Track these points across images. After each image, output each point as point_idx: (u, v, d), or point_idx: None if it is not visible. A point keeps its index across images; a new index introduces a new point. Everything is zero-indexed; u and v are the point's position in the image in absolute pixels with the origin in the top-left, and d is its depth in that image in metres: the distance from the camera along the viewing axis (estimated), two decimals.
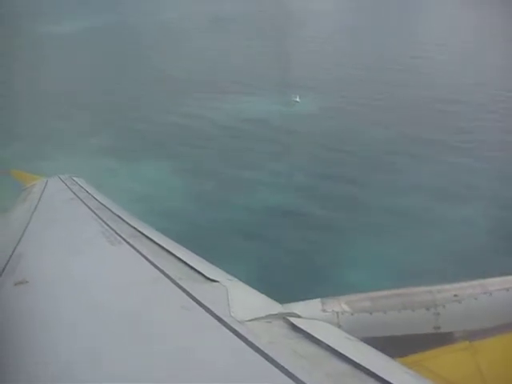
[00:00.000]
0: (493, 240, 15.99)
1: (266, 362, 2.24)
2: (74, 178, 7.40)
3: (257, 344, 2.39)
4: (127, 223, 4.92)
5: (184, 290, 3.09)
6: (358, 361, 2.25)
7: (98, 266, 3.97)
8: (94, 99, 35.26)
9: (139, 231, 4.59)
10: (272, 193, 20.38)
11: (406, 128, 26.65)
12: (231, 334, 2.53)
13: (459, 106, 30.20)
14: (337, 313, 3.42)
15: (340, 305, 3.47)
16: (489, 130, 26.10)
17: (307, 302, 3.55)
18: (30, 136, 28.18)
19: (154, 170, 22.41)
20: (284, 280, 13.63)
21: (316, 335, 2.54)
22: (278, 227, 17.54)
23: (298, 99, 32.74)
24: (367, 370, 2.18)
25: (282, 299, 3.21)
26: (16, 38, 56.98)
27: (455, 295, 3.45)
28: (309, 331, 2.58)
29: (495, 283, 3.52)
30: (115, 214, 5.31)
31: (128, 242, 4.22)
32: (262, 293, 3.24)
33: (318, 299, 3.55)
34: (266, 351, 2.32)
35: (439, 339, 3.34)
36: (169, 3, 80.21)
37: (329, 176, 21.57)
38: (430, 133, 25.73)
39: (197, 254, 3.99)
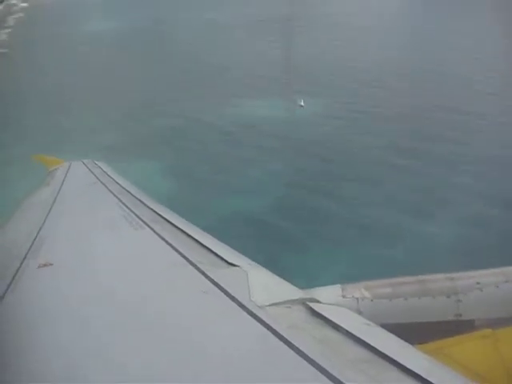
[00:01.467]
0: (451, 261, 15.47)
1: (286, 347, 2.25)
2: (97, 162, 7.58)
3: (277, 329, 2.40)
4: (149, 207, 4.99)
5: (205, 275, 3.11)
6: (377, 347, 2.23)
7: (120, 249, 4.04)
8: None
9: (160, 215, 4.65)
10: (243, 200, 20.35)
11: (400, 138, 26.07)
12: (251, 318, 2.55)
13: (461, 116, 29.29)
14: (357, 299, 3.41)
15: (360, 290, 3.46)
16: (486, 144, 25.14)
17: (327, 287, 3.55)
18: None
19: (137, 169, 22.77)
20: None
21: (336, 321, 2.54)
22: (237, 237, 17.52)
23: (302, 103, 32.69)
24: (387, 356, 2.17)
25: None
26: None
27: (477, 283, 3.40)
28: (328, 317, 2.59)
29: None
30: (137, 198, 5.39)
31: (150, 226, 4.27)
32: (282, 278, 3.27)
33: (338, 285, 3.54)
34: (285, 336, 2.33)
35: (460, 327, 3.29)
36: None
37: (305, 186, 21.46)
38: (422, 143, 25.11)
39: (217, 238, 4.03)
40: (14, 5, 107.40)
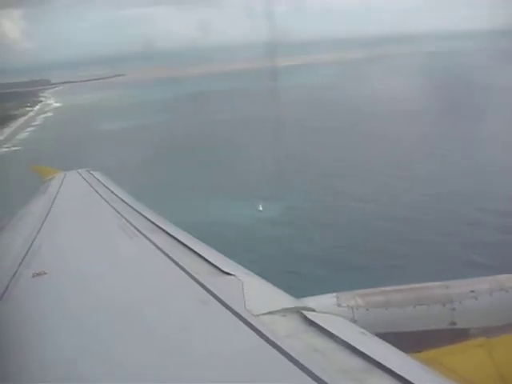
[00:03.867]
0: None
1: (281, 356, 2.24)
2: (92, 172, 7.59)
3: (272, 338, 2.40)
4: (144, 217, 4.98)
5: (200, 284, 3.12)
6: (372, 356, 2.20)
7: (115, 259, 4.01)
8: None
9: (156, 225, 4.65)
10: None
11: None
12: (246, 327, 2.55)
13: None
14: (352, 307, 3.41)
15: (355, 299, 3.45)
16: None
17: (322, 296, 3.54)
18: None
19: None
20: None
21: (331, 330, 2.52)
22: None
23: (261, 208, 33.41)
24: (382, 365, 2.13)
25: None
26: None
27: (472, 291, 3.41)
28: (324, 326, 2.56)
29: (511, 280, 3.49)
30: (132, 207, 5.39)
31: (145, 236, 4.28)
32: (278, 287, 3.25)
33: (334, 294, 3.53)
34: (281, 345, 2.32)
35: (455, 335, 3.28)
36: None
37: None
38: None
39: (212, 247, 4.03)
40: (49, 105, 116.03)
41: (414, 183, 36.47)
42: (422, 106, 61.86)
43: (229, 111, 77.49)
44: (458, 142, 46.24)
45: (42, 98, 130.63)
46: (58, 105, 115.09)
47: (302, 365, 2.15)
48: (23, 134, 77.66)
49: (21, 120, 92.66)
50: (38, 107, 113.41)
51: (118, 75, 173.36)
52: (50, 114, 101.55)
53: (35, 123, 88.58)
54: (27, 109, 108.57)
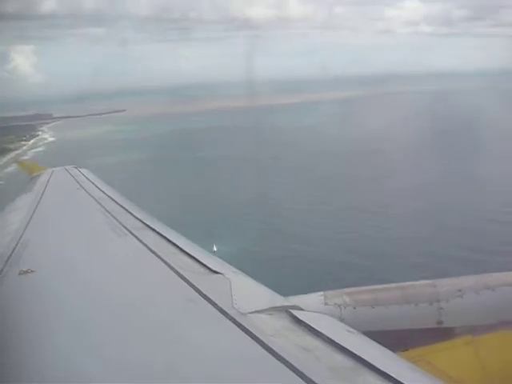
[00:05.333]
0: None
1: (269, 355, 2.23)
2: (80, 169, 7.58)
3: (259, 336, 2.39)
4: (132, 215, 4.96)
5: (187, 282, 3.13)
6: (359, 355, 2.22)
7: (102, 257, 3.99)
8: None
9: (144, 223, 4.62)
10: None
11: None
12: (234, 326, 2.53)
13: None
14: (339, 306, 3.41)
15: (342, 298, 3.45)
16: None
17: (309, 295, 3.55)
18: None
19: None
20: None
21: (318, 328, 2.52)
22: None
23: (215, 249, 32.88)
24: (369, 364, 2.14)
25: None
26: None
27: (459, 290, 3.42)
28: (311, 324, 2.56)
29: (498, 279, 3.49)
30: (121, 205, 5.39)
31: (133, 234, 4.27)
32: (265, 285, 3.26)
33: (321, 292, 3.54)
34: (268, 344, 2.32)
35: (442, 334, 3.29)
36: None
37: None
38: None
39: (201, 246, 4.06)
40: (44, 139, 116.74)
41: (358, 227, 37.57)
42: (397, 146, 61.84)
43: (209, 149, 78.69)
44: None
45: (39, 132, 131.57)
46: (52, 139, 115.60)
47: (290, 363, 2.13)
48: (9, 168, 77.87)
49: (12, 154, 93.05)
50: (32, 141, 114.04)
51: (118, 111, 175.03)
52: (41, 148, 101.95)
53: (24, 158, 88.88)
54: (22, 143, 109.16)
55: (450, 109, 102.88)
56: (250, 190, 48.13)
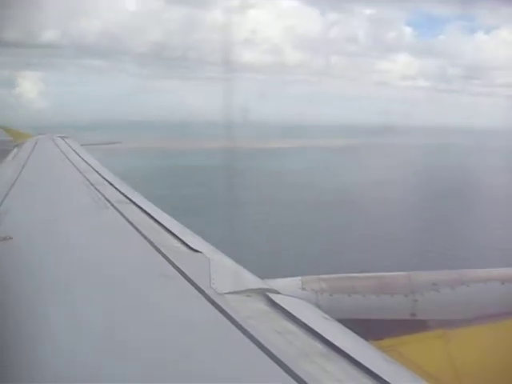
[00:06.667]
0: None
1: (243, 336, 2.24)
2: (65, 139, 7.66)
3: (235, 317, 2.40)
4: (116, 188, 4.93)
5: (166, 258, 3.10)
6: (332, 341, 2.23)
7: (83, 228, 3.93)
8: None
9: (127, 197, 4.59)
10: None
11: None
12: (210, 305, 2.53)
13: None
14: (316, 292, 3.40)
15: (319, 284, 3.45)
16: None
17: (288, 279, 3.54)
18: None
19: None
20: None
21: (294, 313, 2.53)
22: None
23: None
24: (341, 350, 2.16)
25: None
26: None
27: (434, 284, 3.44)
28: (287, 309, 2.57)
29: (474, 275, 3.52)
30: (104, 178, 5.36)
31: (115, 207, 4.24)
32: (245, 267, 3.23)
33: (299, 277, 3.54)
34: (243, 325, 2.32)
35: (414, 326, 3.30)
36: None
37: None
38: None
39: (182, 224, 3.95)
40: None
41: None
42: (371, 197, 61.98)
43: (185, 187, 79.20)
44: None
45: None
46: None
47: (263, 345, 2.13)
48: None
49: None
50: None
51: (114, 142, 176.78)
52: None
53: None
54: None
55: (438, 162, 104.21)
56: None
